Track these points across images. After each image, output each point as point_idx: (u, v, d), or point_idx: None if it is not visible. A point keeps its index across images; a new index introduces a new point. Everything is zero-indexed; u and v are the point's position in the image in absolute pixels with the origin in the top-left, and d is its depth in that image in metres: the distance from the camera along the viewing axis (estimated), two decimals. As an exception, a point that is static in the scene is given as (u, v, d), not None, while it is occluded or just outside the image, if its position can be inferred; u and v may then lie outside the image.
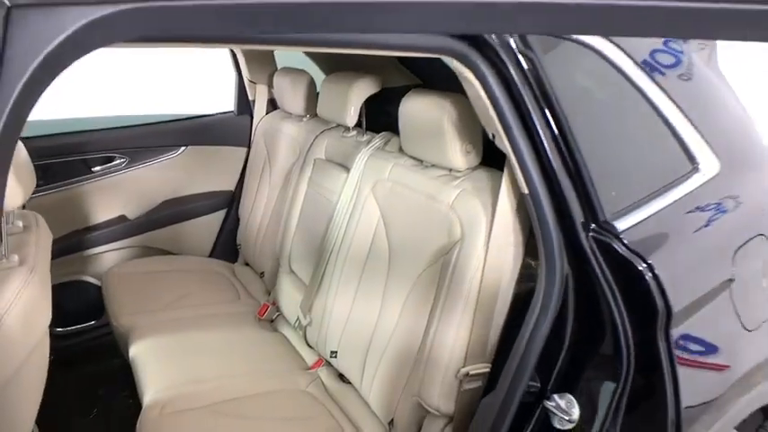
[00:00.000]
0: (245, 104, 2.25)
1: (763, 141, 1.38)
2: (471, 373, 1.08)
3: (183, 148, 2.19)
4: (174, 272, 2.05)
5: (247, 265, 2.17)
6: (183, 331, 1.63)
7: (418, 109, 1.21)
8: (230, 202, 2.28)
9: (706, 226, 1.08)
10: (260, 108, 2.21)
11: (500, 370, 1.04)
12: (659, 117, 1.09)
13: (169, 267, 2.08)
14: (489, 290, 1.07)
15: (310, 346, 1.58)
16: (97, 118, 2.21)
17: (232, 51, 2.15)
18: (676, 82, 1.16)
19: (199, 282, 2.01)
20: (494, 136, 0.98)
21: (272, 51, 2.15)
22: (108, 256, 2.10)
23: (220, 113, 2.31)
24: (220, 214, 2.29)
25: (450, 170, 1.20)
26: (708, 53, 1.36)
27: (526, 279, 1.08)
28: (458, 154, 1.14)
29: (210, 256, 2.28)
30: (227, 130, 2.27)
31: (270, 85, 2.15)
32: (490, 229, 1.06)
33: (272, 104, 2.20)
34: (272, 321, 1.81)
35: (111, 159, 2.09)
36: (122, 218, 2.12)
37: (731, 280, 1.05)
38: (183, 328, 1.65)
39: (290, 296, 1.70)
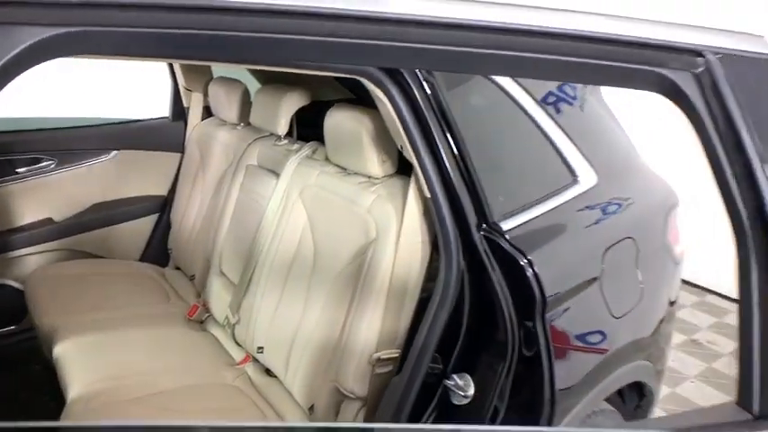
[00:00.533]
0: (179, 111, 2.30)
1: (639, 161, 1.62)
2: (383, 357, 1.21)
3: (114, 152, 2.19)
4: (102, 274, 2.05)
5: (178, 269, 2.20)
6: (110, 330, 1.65)
7: (340, 122, 1.34)
8: (162, 206, 2.31)
9: (580, 229, 1.28)
10: (194, 115, 2.26)
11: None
12: (544, 137, 1.28)
13: (97, 270, 2.07)
14: (399, 283, 1.21)
15: (238, 344, 1.65)
16: (24, 119, 2.17)
17: (168, 59, 2.19)
18: (561, 108, 1.37)
19: (128, 284, 2.02)
20: (402, 147, 1.12)
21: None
22: (32, 259, 2.06)
23: (155, 119, 2.33)
24: (152, 218, 2.30)
25: (369, 177, 1.34)
26: (593, 90, 1.59)
27: (434, 273, 1.22)
28: (375, 163, 1.28)
29: (141, 260, 2.29)
30: (161, 136, 2.30)
31: (205, 93, 2.21)
32: (400, 230, 1.20)
33: (207, 112, 2.25)
34: (201, 322, 1.86)
35: (38, 161, 2.06)
36: (48, 220, 2.10)
37: (600, 275, 1.25)
38: (111, 327, 1.67)
39: (219, 296, 1.76)
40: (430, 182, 1.07)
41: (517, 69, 0.58)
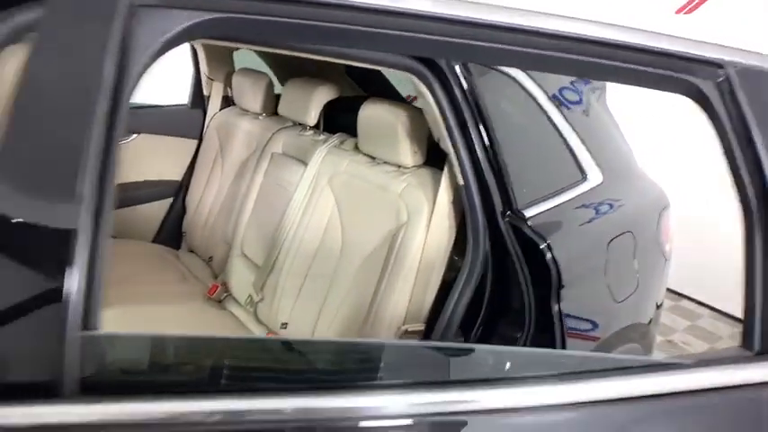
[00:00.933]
0: (199, 99, 2.38)
1: (635, 165, 1.78)
2: (409, 330, 1.32)
3: (135, 135, 2.26)
4: (118, 254, 2.10)
5: (191, 251, 2.27)
6: (134, 304, 1.72)
7: (376, 114, 1.46)
8: (177, 190, 2.38)
9: (589, 221, 1.42)
10: (214, 104, 2.35)
11: (433, 329, 1.30)
12: (560, 137, 1.42)
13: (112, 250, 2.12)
14: (427, 263, 1.33)
15: (260, 322, 1.74)
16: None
17: (193, 48, 2.28)
18: (575, 112, 1.51)
19: (143, 264, 2.08)
20: (438, 139, 1.24)
21: (231, 52, 2.31)
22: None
23: (174, 105, 2.41)
24: (166, 202, 2.37)
25: (400, 167, 1.45)
26: (599, 93, 1.74)
27: (457, 255, 1.35)
28: (407, 153, 1.40)
29: (153, 242, 2.35)
30: (179, 122, 2.37)
31: (226, 83, 2.30)
32: (431, 215, 1.32)
33: (226, 101, 2.34)
34: (219, 301, 1.94)
35: (60, 140, 2.11)
36: (65, 199, 2.14)
37: (605, 263, 1.39)
38: (134, 301, 1.74)
39: (241, 277, 1.85)
40: (464, 171, 1.19)
41: (576, 69, 0.71)
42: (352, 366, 0.70)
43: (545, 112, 1.39)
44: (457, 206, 1.32)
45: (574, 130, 1.45)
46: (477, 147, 1.19)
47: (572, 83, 1.57)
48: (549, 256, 1.21)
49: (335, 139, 1.72)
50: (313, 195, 1.64)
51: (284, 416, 0.57)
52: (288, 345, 0.84)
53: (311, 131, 1.87)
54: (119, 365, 0.60)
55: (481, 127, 1.19)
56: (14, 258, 0.53)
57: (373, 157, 1.54)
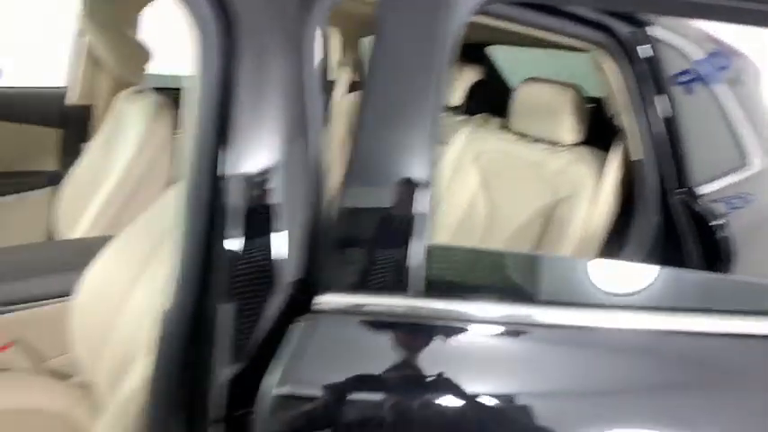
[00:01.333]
0: (325, 84, 2.50)
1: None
2: (569, 299, 1.37)
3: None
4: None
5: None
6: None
7: (539, 92, 1.50)
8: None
9: (750, 204, 1.41)
10: (341, 88, 2.48)
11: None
12: (730, 120, 1.41)
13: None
14: (588, 236, 1.37)
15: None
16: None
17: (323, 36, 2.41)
18: (743, 95, 1.50)
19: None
20: (614, 114, 1.28)
21: (360, 39, 2.44)
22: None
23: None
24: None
25: (555, 144, 1.50)
26: (755, 72, 1.70)
27: (618, 229, 1.38)
28: (570, 130, 1.44)
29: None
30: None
31: (354, 69, 2.42)
32: (596, 189, 1.36)
33: (353, 86, 2.46)
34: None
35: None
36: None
37: (765, 248, 1.38)
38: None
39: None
40: (645, 145, 1.22)
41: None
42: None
43: (712, 89, 1.39)
44: (625, 181, 1.35)
45: (745, 113, 1.44)
46: (657, 123, 1.22)
47: (733, 63, 1.54)
48: (721, 234, 1.22)
49: (478, 118, 1.79)
50: (456, 174, 1.71)
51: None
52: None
53: (448, 112, 1.94)
54: (449, 270, 0.70)
55: (663, 103, 1.22)
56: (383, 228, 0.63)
57: (524, 135, 1.59)
